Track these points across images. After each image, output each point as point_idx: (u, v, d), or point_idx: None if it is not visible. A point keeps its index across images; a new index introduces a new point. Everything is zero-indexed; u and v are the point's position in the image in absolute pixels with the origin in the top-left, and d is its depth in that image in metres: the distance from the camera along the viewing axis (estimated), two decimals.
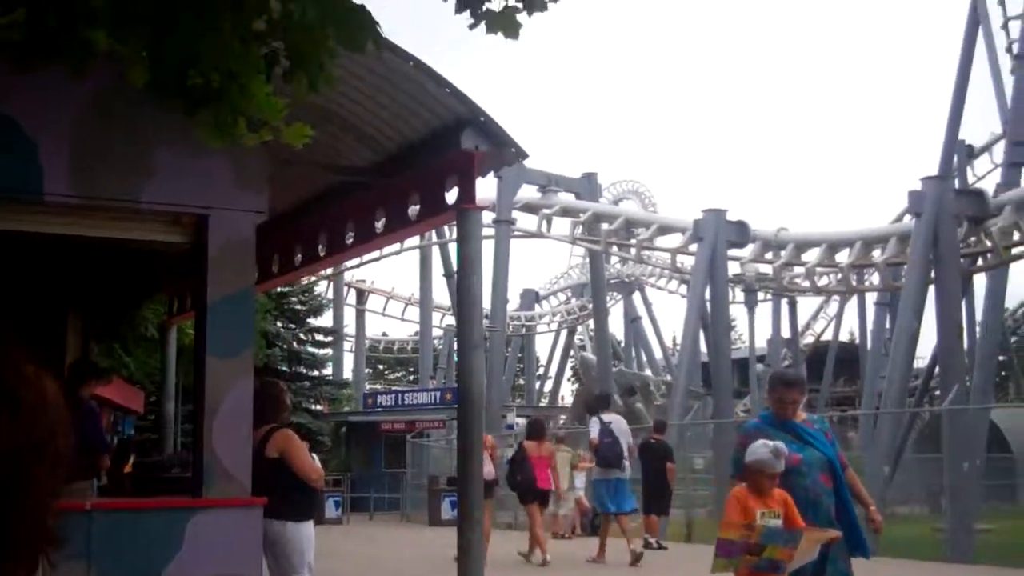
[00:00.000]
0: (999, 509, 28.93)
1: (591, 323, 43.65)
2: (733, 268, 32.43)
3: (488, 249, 33.90)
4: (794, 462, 6.00)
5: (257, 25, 3.30)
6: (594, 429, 15.95)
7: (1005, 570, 15.96)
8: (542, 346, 63.08)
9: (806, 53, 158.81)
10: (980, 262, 28.47)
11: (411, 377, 62.90)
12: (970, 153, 41.32)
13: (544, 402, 57.39)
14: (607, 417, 15.99)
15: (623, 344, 58.71)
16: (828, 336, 54.34)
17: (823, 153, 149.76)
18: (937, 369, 28.51)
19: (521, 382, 62.30)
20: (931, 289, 24.55)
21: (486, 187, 33.85)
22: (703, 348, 32.58)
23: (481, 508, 6.76)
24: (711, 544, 18.91)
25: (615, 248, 38.63)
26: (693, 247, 30.43)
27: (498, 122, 6.71)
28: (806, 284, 33.66)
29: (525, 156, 7.04)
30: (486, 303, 35.32)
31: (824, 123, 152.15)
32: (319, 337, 38.02)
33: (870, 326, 43.82)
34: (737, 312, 46.08)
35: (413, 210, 7.18)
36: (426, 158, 6.94)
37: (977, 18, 37.01)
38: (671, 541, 20.35)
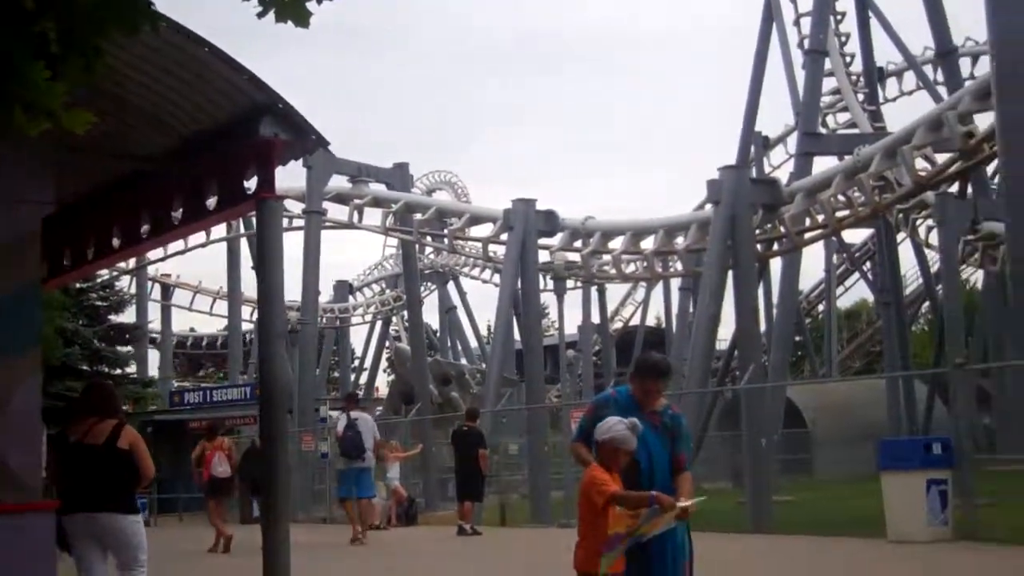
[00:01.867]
0: (797, 481, 30.40)
1: (406, 314, 43.58)
2: (544, 257, 32.98)
3: (299, 240, 33.45)
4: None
5: (27, 3, 3.16)
6: (340, 424, 17.83)
7: (801, 537, 16.83)
8: (357, 338, 62.68)
9: (612, 44, 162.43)
10: (776, 247, 29.76)
11: (221, 373, 61.52)
12: (766, 144, 43.19)
13: (361, 394, 57.05)
14: (354, 414, 17.78)
15: (438, 334, 58.91)
16: (636, 321, 55.82)
17: (635, 143, 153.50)
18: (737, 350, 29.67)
19: (336, 375, 61.73)
20: (731, 274, 25.50)
21: (295, 177, 33.41)
22: (517, 336, 32.99)
23: (287, 501, 6.64)
24: (525, 528, 19.26)
25: (428, 238, 38.69)
26: (504, 236, 30.73)
27: (298, 110, 6.60)
28: (613, 271, 34.43)
29: (326, 144, 6.94)
30: (296, 295, 34.99)
31: (638, 115, 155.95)
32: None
33: (675, 310, 45.30)
34: (548, 300, 46.85)
35: (211, 200, 6.99)
36: (224, 146, 6.77)
37: (771, 14, 38.60)
38: (486, 526, 20.58)
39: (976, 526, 14.66)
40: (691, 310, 38.75)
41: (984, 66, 31.14)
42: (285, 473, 6.41)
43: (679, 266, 32.64)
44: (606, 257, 33.63)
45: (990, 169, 27.80)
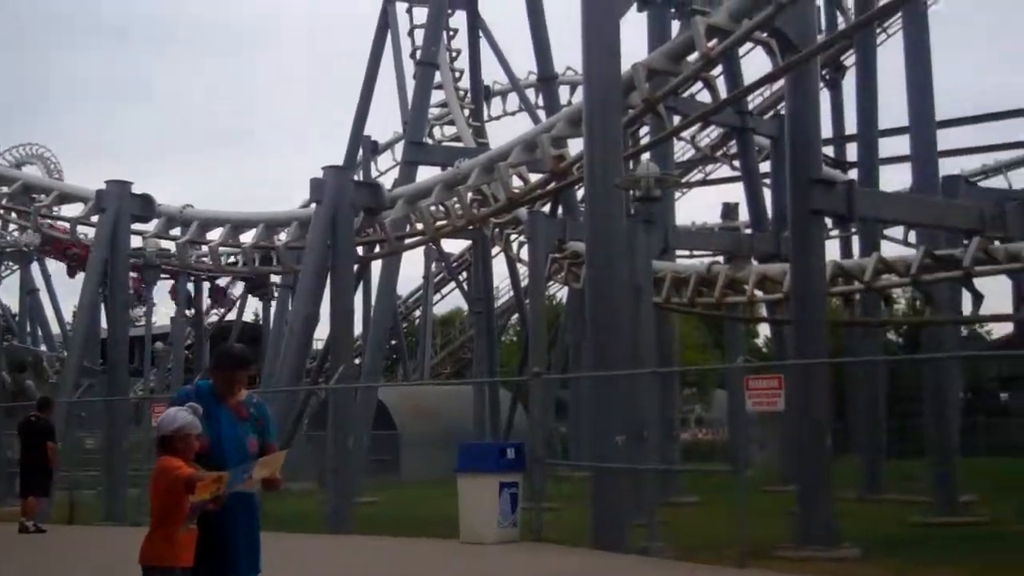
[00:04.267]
0: (385, 482, 30.94)
1: None
2: (137, 242, 31.46)
3: None
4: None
5: None
6: None
7: (378, 538, 17.12)
8: None
9: (229, 31, 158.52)
10: (377, 250, 30.11)
11: None
12: (374, 148, 43.69)
13: None
14: None
15: (17, 317, 54.74)
16: (233, 316, 54.59)
17: (248, 136, 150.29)
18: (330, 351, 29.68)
19: None
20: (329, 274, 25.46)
21: None
22: (104, 324, 31.20)
23: None
24: (97, 526, 18.22)
25: (13, 215, 35.92)
26: (96, 219, 28.97)
27: None
28: (211, 263, 33.44)
29: None
30: None
31: (253, 108, 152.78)
32: None
33: (273, 307, 44.75)
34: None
35: None
36: None
37: (387, 21, 39.12)
38: (54, 524, 19.36)
39: (541, 528, 15.51)
40: (290, 307, 38.43)
41: (580, 94, 33.19)
42: None
43: (279, 262, 32.20)
44: (205, 248, 32.65)
45: (580, 192, 29.68)
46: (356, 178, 31.11)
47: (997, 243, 20.03)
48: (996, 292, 21.84)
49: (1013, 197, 23.11)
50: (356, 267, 29.25)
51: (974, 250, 19.10)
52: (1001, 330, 43.29)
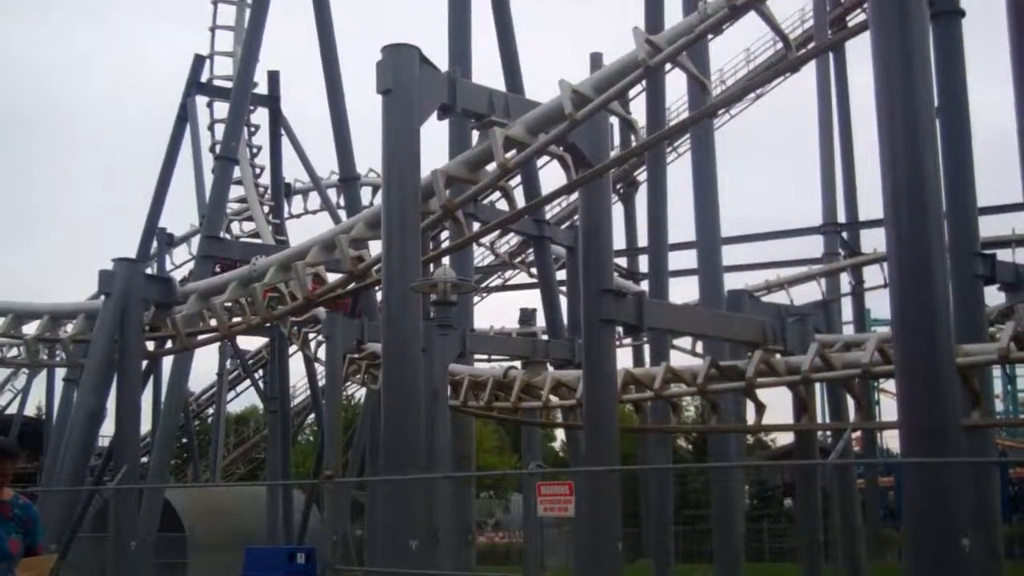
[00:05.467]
0: None
1: None
2: None
3: None
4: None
5: None
6: None
7: None
8: None
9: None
10: (168, 345, 29.24)
11: None
12: (170, 241, 42.71)
13: None
14: None
15: None
16: (14, 409, 51.79)
17: (42, 224, 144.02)
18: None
19: None
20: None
21: None
22: None
23: None
24: None
25: None
26: None
27: None
28: None
29: None
30: None
31: (43, 197, 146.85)
32: None
33: (57, 401, 42.68)
34: None
35: None
36: None
37: (186, 114, 38.66)
38: None
39: None
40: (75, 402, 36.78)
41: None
42: None
43: (64, 355, 30.89)
44: None
45: (379, 294, 29.70)
46: (149, 271, 30.32)
47: (778, 356, 21.00)
48: (778, 402, 22.86)
49: (793, 312, 24.34)
50: (146, 362, 28.33)
51: (756, 362, 19.96)
52: (784, 439, 45.23)
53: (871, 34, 12.57)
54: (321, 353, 31.41)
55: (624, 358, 38.81)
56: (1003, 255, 26.76)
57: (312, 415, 48.38)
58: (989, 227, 28.37)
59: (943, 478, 11.16)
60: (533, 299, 38.69)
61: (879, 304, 42.42)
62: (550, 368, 27.55)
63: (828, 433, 26.60)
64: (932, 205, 11.92)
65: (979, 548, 19.35)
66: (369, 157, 45.28)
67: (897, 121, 12.06)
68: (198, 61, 40.06)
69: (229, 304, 26.08)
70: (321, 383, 37.23)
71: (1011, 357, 17.34)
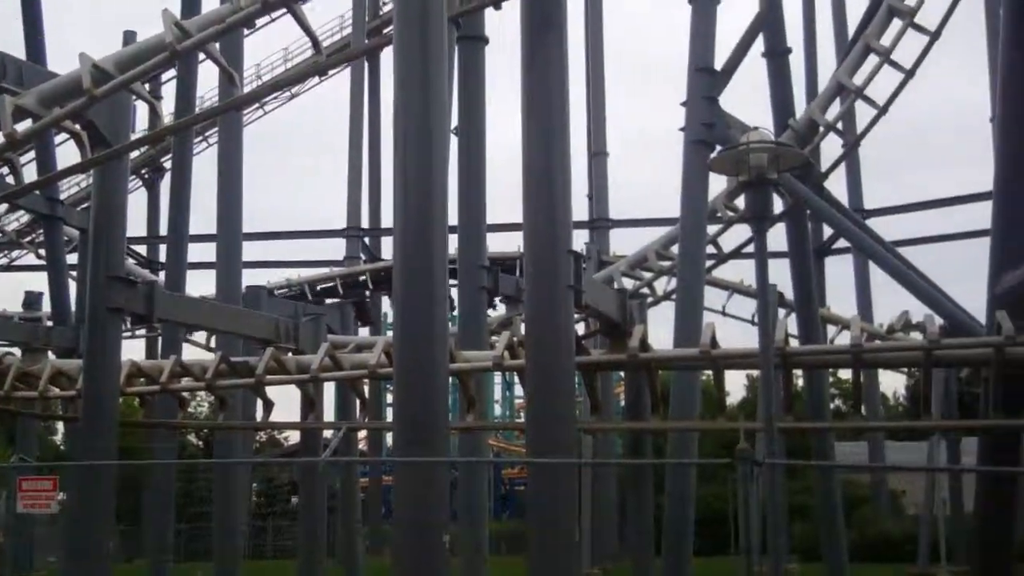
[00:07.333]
0: None
1: None
2: None
3: None
4: None
5: None
6: None
7: None
8: None
9: None
10: None
11: None
12: None
13: None
14: None
15: None
16: None
17: None
18: None
19: None
20: None
21: None
22: None
23: None
24: None
25: None
26: None
27: None
28: None
29: None
30: None
31: None
32: None
33: None
34: None
35: None
36: None
37: None
38: None
39: None
40: None
41: None
42: None
43: None
44: None
45: None
46: None
47: (290, 354, 21.19)
48: (288, 400, 22.99)
49: (308, 312, 24.70)
50: None
51: (267, 359, 20.01)
52: (297, 437, 45.70)
53: (393, 46, 13.00)
54: None
55: (136, 350, 37.47)
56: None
57: None
58: (496, 243, 30.50)
59: (426, 476, 11.74)
60: (42, 282, 36.18)
61: None
62: (52, 356, 26.00)
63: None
64: (438, 217, 12.50)
65: (468, 542, 20.73)
66: None
67: (410, 134, 12.56)
68: None
69: None
70: None
71: (505, 365, 18.67)
